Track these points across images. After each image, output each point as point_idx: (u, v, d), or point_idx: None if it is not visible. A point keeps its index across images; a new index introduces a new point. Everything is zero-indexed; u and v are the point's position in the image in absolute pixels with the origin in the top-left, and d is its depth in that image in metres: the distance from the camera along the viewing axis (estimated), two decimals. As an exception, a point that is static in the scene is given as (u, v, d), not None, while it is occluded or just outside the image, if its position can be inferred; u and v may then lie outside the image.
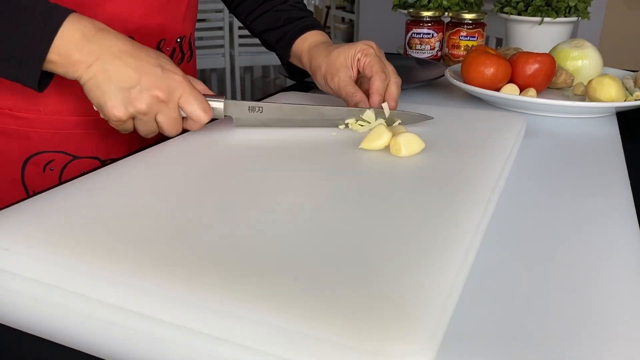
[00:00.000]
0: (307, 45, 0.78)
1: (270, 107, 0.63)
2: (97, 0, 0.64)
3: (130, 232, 0.39)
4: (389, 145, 0.56)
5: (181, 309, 0.32)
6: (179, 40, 0.75)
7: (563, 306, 0.37)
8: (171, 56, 0.75)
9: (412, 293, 0.32)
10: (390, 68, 0.70)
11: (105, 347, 0.35)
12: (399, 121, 0.65)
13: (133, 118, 0.56)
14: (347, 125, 0.64)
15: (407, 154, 0.54)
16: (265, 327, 0.30)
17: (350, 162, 0.54)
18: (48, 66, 0.54)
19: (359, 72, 0.71)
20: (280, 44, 0.81)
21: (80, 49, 0.53)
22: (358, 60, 0.70)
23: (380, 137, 0.56)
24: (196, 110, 0.57)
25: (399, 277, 0.34)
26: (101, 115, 0.57)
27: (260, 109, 0.62)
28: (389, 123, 0.64)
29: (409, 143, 0.54)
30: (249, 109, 0.62)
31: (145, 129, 0.58)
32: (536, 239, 0.46)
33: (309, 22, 0.81)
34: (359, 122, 0.64)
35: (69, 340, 0.36)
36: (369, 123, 0.63)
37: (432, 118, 0.66)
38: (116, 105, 0.54)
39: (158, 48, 0.72)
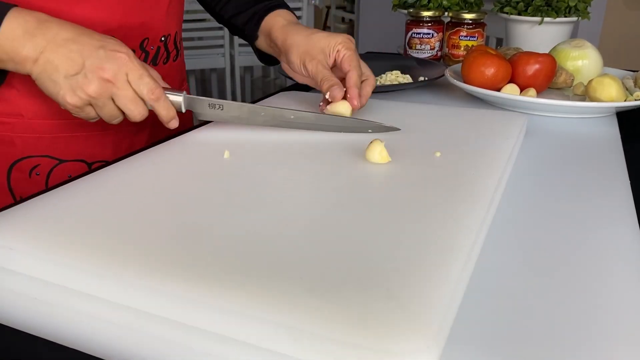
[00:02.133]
0: (279, 22, 0.77)
1: (232, 105, 0.63)
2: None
3: (133, 232, 0.39)
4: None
5: (185, 308, 0.32)
6: (163, 38, 0.75)
7: (565, 305, 0.37)
8: (156, 55, 0.75)
9: (417, 291, 0.32)
10: (367, 67, 0.71)
11: (105, 347, 0.35)
12: (370, 130, 0.63)
13: (91, 104, 0.57)
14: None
15: (380, 161, 0.53)
16: (271, 326, 0.30)
17: (353, 163, 0.54)
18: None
19: (335, 62, 0.71)
20: (249, 25, 0.81)
21: (24, 45, 0.54)
22: (338, 51, 0.70)
23: (377, 151, 0.54)
24: (141, 90, 0.57)
25: (404, 275, 0.34)
26: (61, 106, 0.57)
27: (221, 106, 0.63)
28: (359, 130, 0.64)
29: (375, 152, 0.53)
30: (209, 106, 0.63)
31: (105, 113, 0.57)
32: (536, 239, 0.46)
33: (279, 2, 0.81)
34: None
35: (69, 340, 0.37)
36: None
37: (399, 129, 0.63)
38: (67, 93, 0.55)
39: (141, 47, 0.72)
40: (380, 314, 0.30)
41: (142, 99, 0.58)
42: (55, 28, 0.55)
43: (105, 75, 0.55)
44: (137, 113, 0.58)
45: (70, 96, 0.55)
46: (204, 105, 0.63)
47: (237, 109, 0.63)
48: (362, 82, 0.69)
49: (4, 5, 0.54)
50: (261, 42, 0.82)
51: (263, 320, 0.30)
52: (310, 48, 0.71)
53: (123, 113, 0.58)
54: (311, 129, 0.63)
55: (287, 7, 0.82)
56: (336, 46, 0.70)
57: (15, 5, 0.54)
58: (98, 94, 0.55)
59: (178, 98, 0.61)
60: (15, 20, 0.54)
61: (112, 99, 0.57)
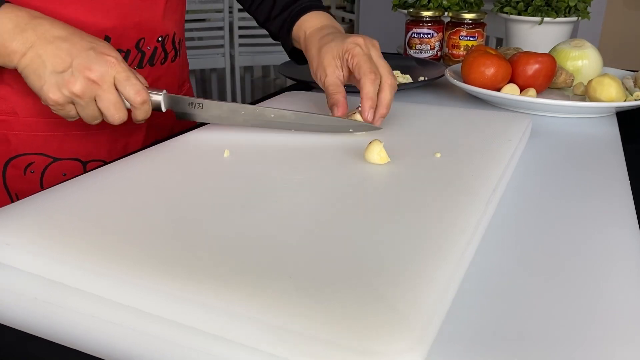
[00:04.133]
0: (303, 32, 0.76)
1: (211, 104, 0.62)
2: None
3: (131, 231, 0.39)
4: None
5: (178, 307, 0.32)
6: (160, 39, 0.75)
7: (561, 306, 0.37)
8: (153, 55, 0.75)
9: (405, 292, 0.32)
10: (383, 67, 0.65)
11: (104, 347, 0.35)
12: (351, 130, 0.62)
13: (73, 103, 0.57)
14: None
15: (379, 162, 0.53)
16: (258, 325, 0.30)
17: (352, 163, 0.54)
18: None
19: (349, 69, 0.67)
20: (282, 33, 0.80)
21: (14, 39, 0.54)
22: (347, 61, 0.67)
23: (375, 151, 0.54)
24: (127, 91, 0.57)
25: (393, 276, 0.34)
26: (42, 101, 0.57)
27: (201, 105, 0.62)
28: (340, 130, 0.62)
29: (374, 152, 0.53)
30: (189, 105, 0.62)
31: (86, 113, 0.58)
32: (535, 239, 0.46)
33: (305, 4, 0.78)
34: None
35: (66, 339, 0.37)
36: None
37: (380, 128, 0.63)
38: (51, 89, 0.55)
39: (137, 47, 0.72)
40: (365, 314, 0.30)
41: (125, 103, 0.58)
42: (47, 25, 0.55)
43: (91, 76, 0.55)
44: (117, 117, 0.58)
45: (53, 92, 0.55)
46: (184, 105, 0.62)
47: (216, 107, 0.62)
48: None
49: None
50: (297, 46, 0.80)
51: (249, 318, 0.30)
52: (320, 62, 0.69)
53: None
54: (291, 128, 0.62)
55: (313, 8, 0.77)
56: (343, 57, 0.66)
57: (8, 1, 0.55)
58: (82, 93, 0.55)
59: (158, 97, 0.60)
60: (7, 14, 0.54)
61: (95, 101, 0.57)
